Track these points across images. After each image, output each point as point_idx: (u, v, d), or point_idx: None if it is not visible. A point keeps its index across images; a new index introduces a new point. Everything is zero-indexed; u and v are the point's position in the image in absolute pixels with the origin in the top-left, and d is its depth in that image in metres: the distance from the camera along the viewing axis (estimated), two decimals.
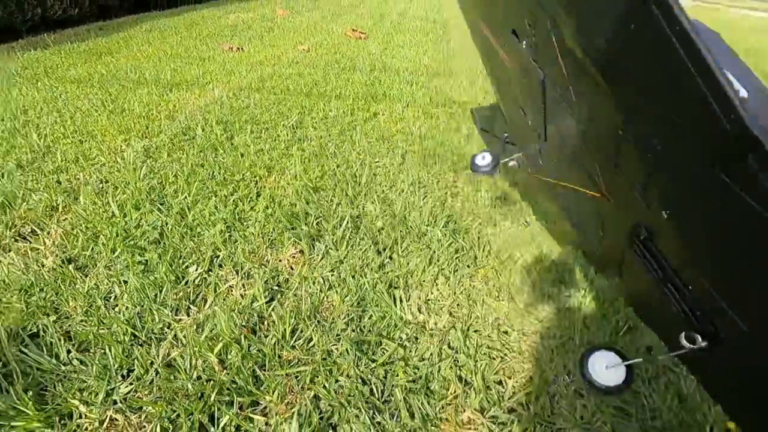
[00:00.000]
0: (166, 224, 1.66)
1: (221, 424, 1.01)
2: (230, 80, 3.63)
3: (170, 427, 1.00)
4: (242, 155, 2.23)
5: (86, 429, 1.01)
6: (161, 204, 1.79)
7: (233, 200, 1.83)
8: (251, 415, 1.04)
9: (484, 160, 1.99)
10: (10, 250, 1.54)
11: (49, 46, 4.86)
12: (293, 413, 1.03)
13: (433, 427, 1.02)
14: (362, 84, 3.60)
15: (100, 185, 1.95)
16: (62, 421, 1.03)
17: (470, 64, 4.37)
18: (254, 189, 1.93)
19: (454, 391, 1.10)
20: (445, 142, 2.48)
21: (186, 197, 1.84)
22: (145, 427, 1.01)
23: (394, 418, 1.04)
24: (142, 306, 1.31)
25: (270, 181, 2.01)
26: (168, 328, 1.26)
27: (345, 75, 3.91)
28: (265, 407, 1.06)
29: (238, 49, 5.00)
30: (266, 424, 1.03)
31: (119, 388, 1.09)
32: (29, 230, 1.66)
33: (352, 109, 3.01)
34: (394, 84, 3.64)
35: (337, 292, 1.39)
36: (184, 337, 1.22)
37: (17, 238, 1.62)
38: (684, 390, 1.12)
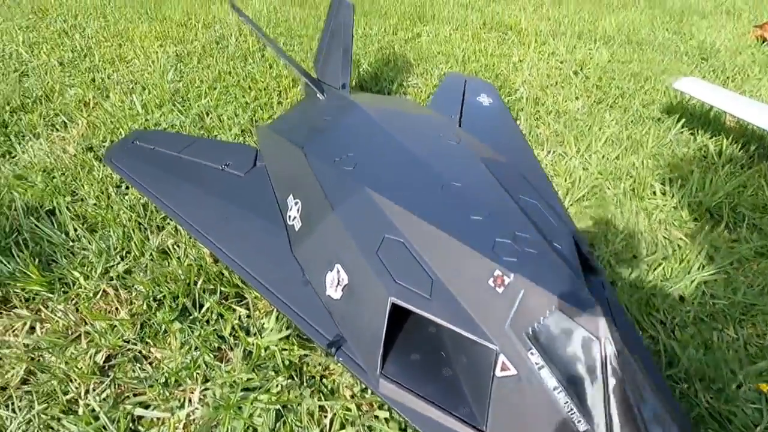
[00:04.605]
0: (184, 124, 1.64)
1: (203, 309, 1.01)
2: None
3: (154, 305, 1.02)
4: (271, 66, 2.14)
5: (81, 297, 1.05)
6: (182, 106, 1.77)
7: (253, 107, 1.77)
8: (234, 307, 1.03)
9: None
10: (40, 137, 1.60)
11: None
12: (274, 309, 1.01)
13: None
14: (411, 4, 3.31)
15: (130, 85, 1.96)
16: (62, 288, 1.07)
17: None
18: (276, 98, 1.86)
19: None
20: (489, 67, 2.24)
21: (208, 101, 1.81)
22: (132, 303, 1.04)
23: None
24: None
25: (294, 92, 1.92)
26: (170, 220, 1.27)
27: None
28: (248, 302, 1.04)
29: None
30: (247, 316, 1.02)
31: (116, 267, 1.11)
32: (60, 121, 1.71)
33: (395, 28, 2.78)
34: (446, 6, 3.32)
35: None
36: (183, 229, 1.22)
37: (49, 126, 1.68)
38: (714, 342, 0.97)
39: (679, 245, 1.23)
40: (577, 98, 1.99)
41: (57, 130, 1.66)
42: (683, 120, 1.78)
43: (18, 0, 3.25)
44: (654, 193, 1.42)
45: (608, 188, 1.42)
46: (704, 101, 1.63)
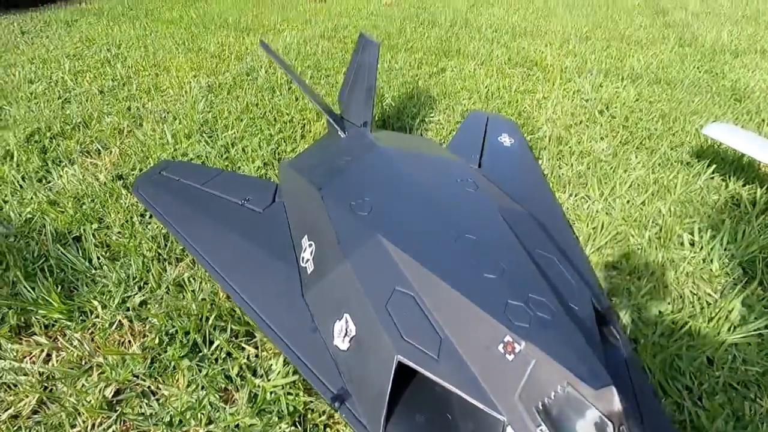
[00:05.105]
0: (210, 155, 1.69)
1: (213, 347, 1.01)
2: (304, 29, 3.61)
3: (166, 339, 1.02)
4: (297, 99, 2.20)
5: (98, 327, 1.07)
6: (210, 137, 1.84)
7: (276, 140, 1.81)
8: (244, 345, 1.03)
9: None
10: (74, 163, 1.68)
11: None
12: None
13: None
14: (437, 39, 3.38)
15: (163, 114, 2.05)
16: (81, 317, 1.10)
17: (564, 26, 3.90)
18: (300, 131, 1.90)
19: None
20: (513, 103, 2.24)
21: (234, 133, 1.86)
22: (145, 336, 1.05)
23: None
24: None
25: (317, 125, 1.96)
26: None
27: (421, 30, 3.70)
28: (257, 341, 1.04)
29: (323, 0, 4.96)
30: (256, 356, 1.01)
31: (133, 297, 1.14)
32: (95, 148, 1.79)
33: (420, 63, 2.83)
34: (471, 41, 3.37)
35: None
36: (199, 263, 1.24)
37: (84, 153, 1.76)
38: (746, 414, 0.90)
39: (708, 302, 1.16)
40: (602, 138, 1.96)
41: (91, 156, 1.74)
42: (714, 165, 1.71)
43: (68, 29, 3.49)
44: (681, 243, 1.36)
45: (632, 236, 1.37)
46: (737, 149, 1.57)
